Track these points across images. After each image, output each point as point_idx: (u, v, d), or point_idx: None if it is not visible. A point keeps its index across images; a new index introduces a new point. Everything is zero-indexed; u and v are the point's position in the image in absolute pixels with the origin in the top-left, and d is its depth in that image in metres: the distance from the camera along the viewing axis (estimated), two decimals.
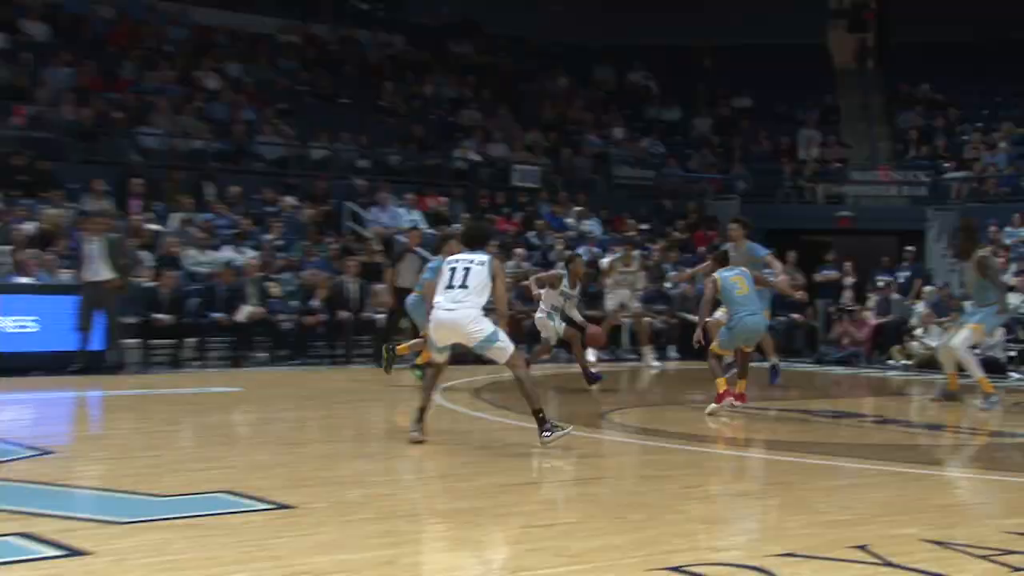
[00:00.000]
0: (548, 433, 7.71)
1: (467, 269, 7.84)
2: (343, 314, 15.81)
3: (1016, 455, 8.91)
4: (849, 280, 19.55)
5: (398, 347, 12.25)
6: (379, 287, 16.55)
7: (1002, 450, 9.12)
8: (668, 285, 18.45)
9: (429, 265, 12.18)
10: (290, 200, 18.71)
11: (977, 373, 11.26)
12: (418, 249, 15.25)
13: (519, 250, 18.98)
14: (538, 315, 12.58)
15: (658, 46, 27.89)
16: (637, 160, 24.24)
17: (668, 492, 6.60)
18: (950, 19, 26.58)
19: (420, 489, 6.60)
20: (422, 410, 8.11)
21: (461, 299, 7.76)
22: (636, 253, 17.06)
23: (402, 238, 18.28)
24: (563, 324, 12.57)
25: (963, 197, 22.60)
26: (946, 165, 23.67)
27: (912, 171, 23.63)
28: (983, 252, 11.65)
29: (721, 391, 10.22)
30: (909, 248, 19.64)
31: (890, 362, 16.93)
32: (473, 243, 8.19)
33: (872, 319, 17.76)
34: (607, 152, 24.31)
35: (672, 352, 17.19)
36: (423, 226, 18.47)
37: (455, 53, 26.36)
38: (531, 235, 20.47)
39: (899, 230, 22.62)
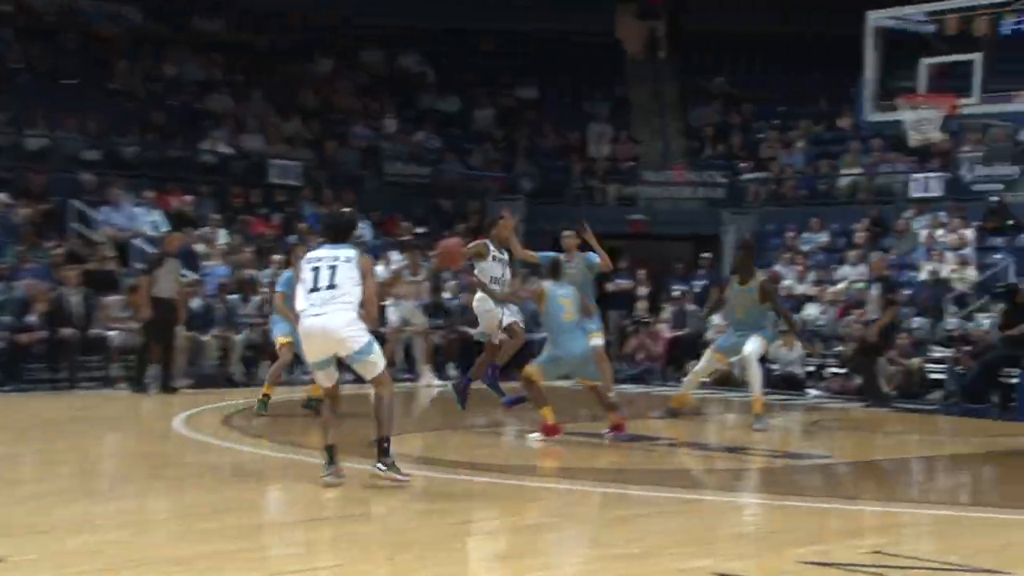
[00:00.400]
0: (384, 468, 7.55)
1: (332, 267, 7.52)
2: (66, 331, 15.14)
3: (814, 478, 9.42)
4: (643, 290, 20.16)
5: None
6: (110, 299, 15.97)
7: (799, 473, 9.62)
8: (447, 295, 18.57)
9: (282, 278, 12.19)
10: (1, 197, 17.79)
11: (757, 390, 11.84)
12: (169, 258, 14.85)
13: (277, 256, 18.68)
14: (477, 300, 11.33)
15: (433, 28, 28.07)
16: (411, 155, 24.31)
17: (444, 528, 6.62)
18: (744, 9, 27.98)
19: (156, 533, 6.38)
20: (331, 448, 7.67)
21: (330, 300, 7.45)
22: (425, 261, 17.11)
23: (138, 242, 17.70)
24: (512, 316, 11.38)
25: (760, 200, 23.79)
26: (742, 165, 24.85)
27: (707, 171, 24.69)
28: (763, 277, 12.30)
29: (550, 423, 10.23)
30: (705, 254, 20.47)
31: (685, 380, 17.54)
32: (337, 236, 7.83)
33: (667, 332, 18.39)
34: (377, 145, 24.26)
35: (452, 370, 17.30)
36: (166, 228, 17.92)
37: (201, 29, 25.72)
38: (292, 239, 20.17)
39: (694, 235, 23.60)
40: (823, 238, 21.10)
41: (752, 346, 11.75)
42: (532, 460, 9.84)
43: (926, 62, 12.56)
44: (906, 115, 12.26)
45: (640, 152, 26.17)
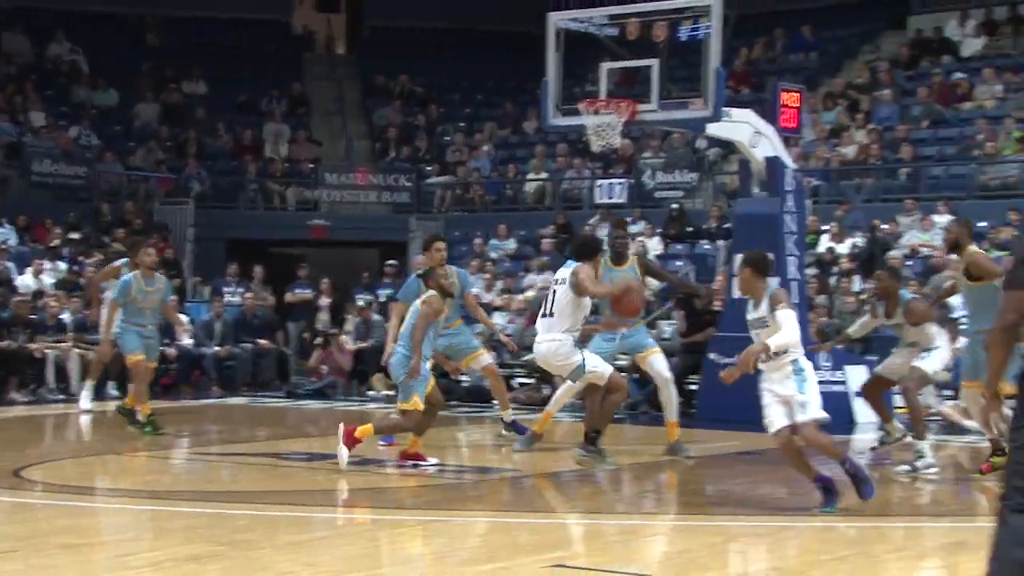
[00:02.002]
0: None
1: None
2: None
3: (500, 493, 9.73)
4: (325, 300, 20.16)
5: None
6: None
7: (485, 488, 9.91)
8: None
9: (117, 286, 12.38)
10: None
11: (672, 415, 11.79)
12: None
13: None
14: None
15: (87, 13, 27.07)
16: (64, 153, 23.34)
17: (97, 563, 6.43)
18: (427, 5, 28.50)
19: None
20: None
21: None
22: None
23: None
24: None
25: (447, 205, 24.27)
26: (428, 169, 25.28)
27: (392, 175, 24.96)
28: (636, 252, 11.93)
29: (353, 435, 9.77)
30: (391, 262, 20.68)
31: (371, 393, 17.69)
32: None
33: (350, 344, 18.47)
34: (22, 142, 23.16)
35: (112, 389, 16.71)
36: None
37: None
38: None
39: (380, 241, 23.80)
40: (511, 245, 21.75)
41: (662, 364, 11.26)
42: (201, 485, 9.68)
43: (606, 66, 13.17)
44: (588, 120, 12.79)
45: (321, 153, 26.15)
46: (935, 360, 10.20)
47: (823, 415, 7.92)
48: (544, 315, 9.92)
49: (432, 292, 9.83)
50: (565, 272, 9.88)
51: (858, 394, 12.50)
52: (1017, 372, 5.02)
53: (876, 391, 10.87)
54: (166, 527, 7.59)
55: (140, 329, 12.22)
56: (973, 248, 10.00)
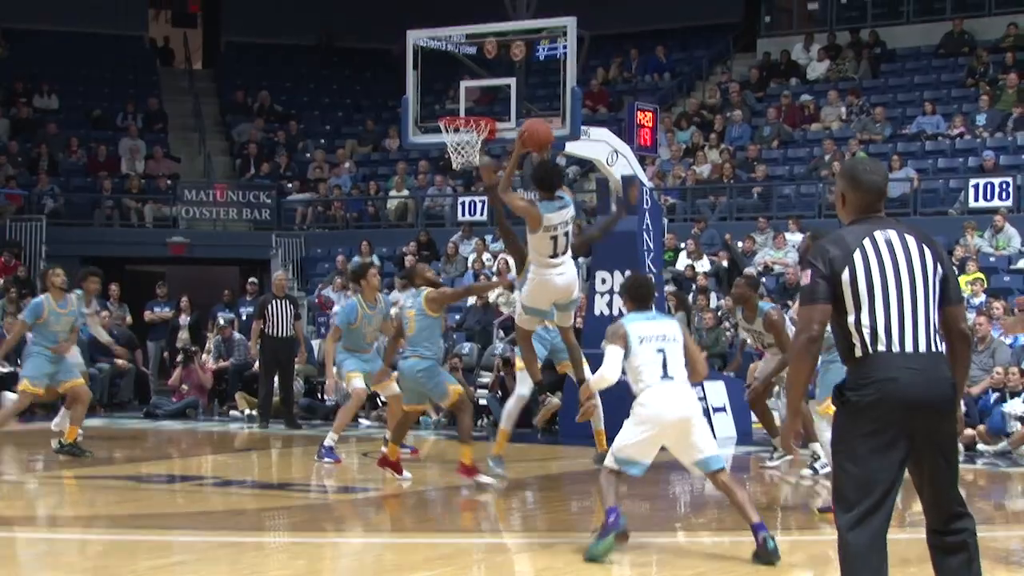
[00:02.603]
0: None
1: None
2: None
3: (364, 512, 9.65)
4: (185, 318, 19.81)
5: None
6: None
7: (349, 508, 9.82)
8: None
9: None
10: None
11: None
12: None
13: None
14: None
15: None
16: None
17: None
18: (287, 22, 28.27)
19: None
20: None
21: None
22: None
23: None
24: None
25: (309, 222, 24.07)
26: (289, 186, 25.04)
27: (253, 191, 24.64)
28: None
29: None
30: (253, 280, 20.41)
31: (234, 413, 17.41)
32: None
33: (211, 363, 18.17)
34: None
35: None
36: None
37: None
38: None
39: (241, 259, 23.47)
40: (373, 261, 21.64)
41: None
42: (57, 510, 9.40)
43: (465, 85, 13.17)
44: (448, 138, 12.78)
45: (179, 170, 25.69)
46: None
47: (612, 465, 7.16)
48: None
49: (427, 288, 10.09)
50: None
51: (749, 407, 12.70)
52: (832, 388, 4.77)
53: (762, 400, 11.03)
54: (20, 554, 7.34)
55: (49, 354, 11.51)
56: None
